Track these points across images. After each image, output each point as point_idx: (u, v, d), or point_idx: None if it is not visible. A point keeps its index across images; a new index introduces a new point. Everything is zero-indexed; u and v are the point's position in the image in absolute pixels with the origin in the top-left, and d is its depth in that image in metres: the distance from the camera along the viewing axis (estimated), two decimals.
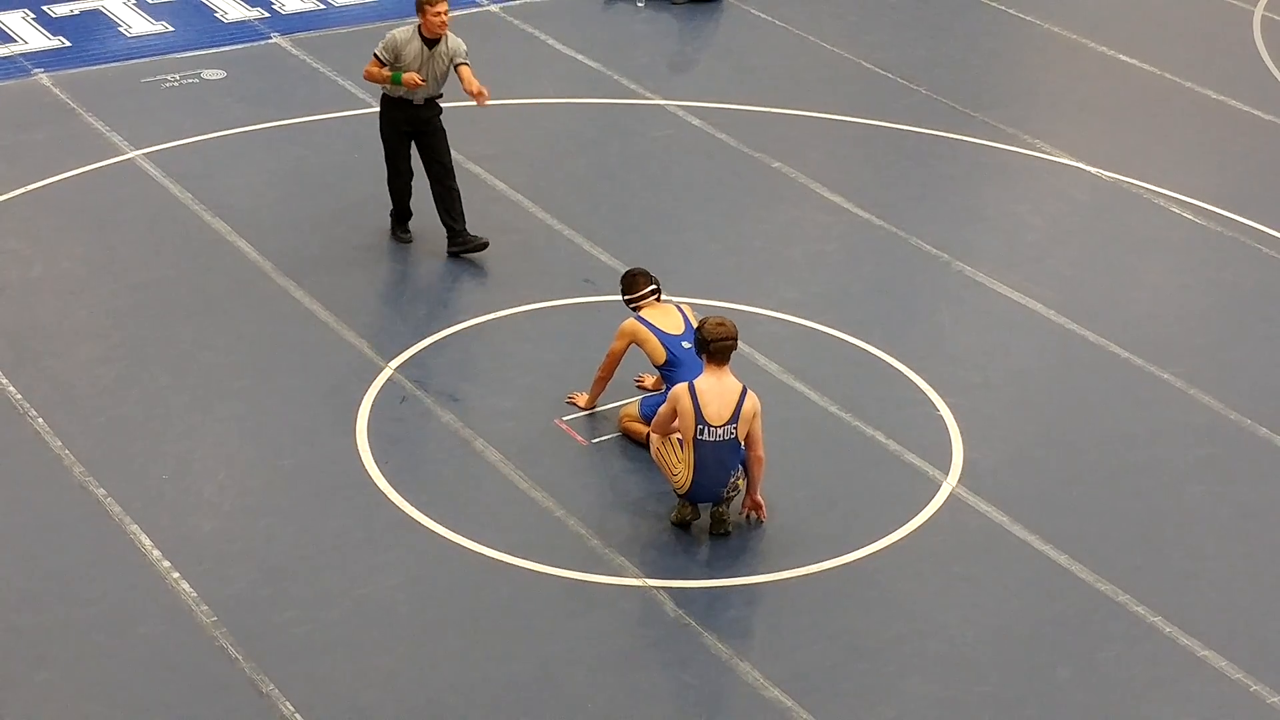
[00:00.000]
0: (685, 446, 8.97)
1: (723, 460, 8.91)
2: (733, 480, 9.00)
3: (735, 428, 8.86)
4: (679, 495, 9.10)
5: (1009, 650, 8.51)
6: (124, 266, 11.33)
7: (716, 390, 8.88)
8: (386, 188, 11.62)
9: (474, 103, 11.20)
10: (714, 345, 8.90)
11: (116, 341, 10.56)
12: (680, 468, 9.01)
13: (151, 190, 12.20)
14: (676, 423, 8.96)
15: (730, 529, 9.11)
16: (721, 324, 8.94)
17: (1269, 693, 8.33)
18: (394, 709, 7.95)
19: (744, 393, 8.90)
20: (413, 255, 11.61)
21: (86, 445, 9.55)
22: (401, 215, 11.73)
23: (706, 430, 8.85)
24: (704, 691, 8.15)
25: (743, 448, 8.97)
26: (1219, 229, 12.49)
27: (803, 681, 8.20)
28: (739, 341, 9.09)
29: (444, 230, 11.53)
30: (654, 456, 9.22)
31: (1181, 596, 8.90)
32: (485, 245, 11.47)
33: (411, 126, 11.33)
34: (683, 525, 9.13)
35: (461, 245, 11.48)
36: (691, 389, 8.87)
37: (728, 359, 8.95)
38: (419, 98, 11.21)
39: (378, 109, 11.53)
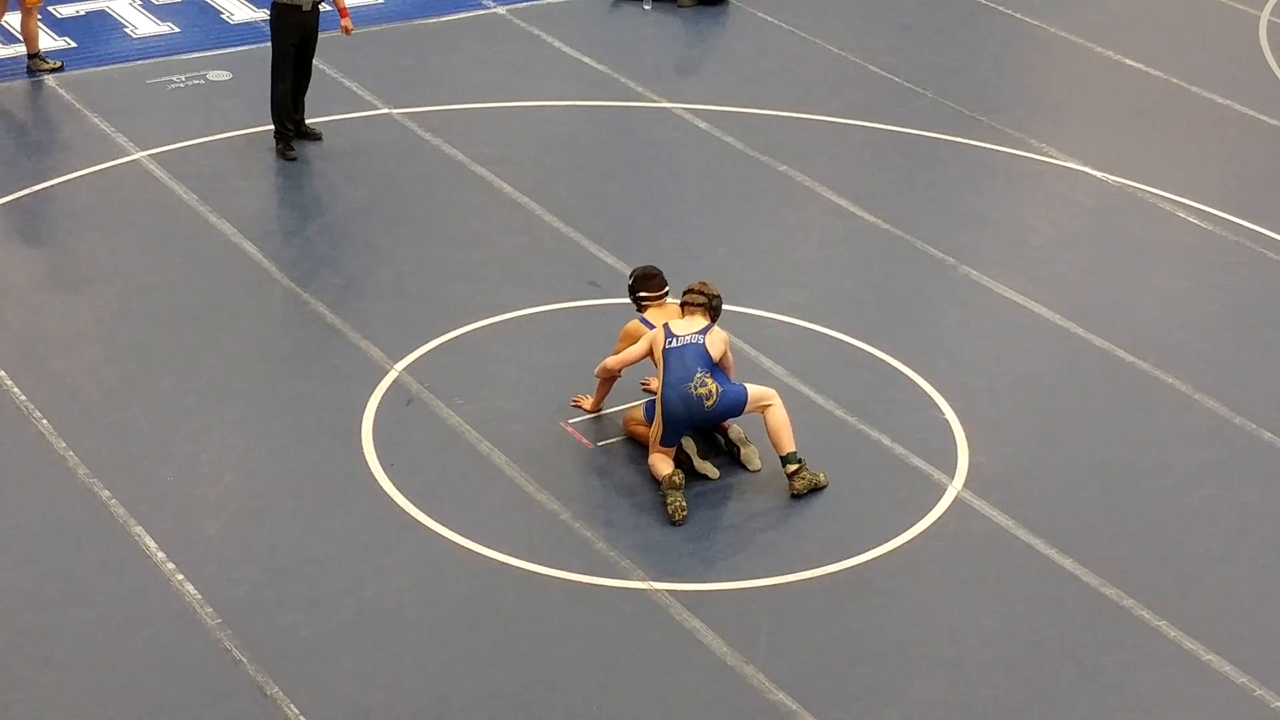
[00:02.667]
0: (657, 368, 9.43)
1: (685, 361, 9.30)
2: (699, 377, 9.26)
3: (702, 337, 9.37)
4: (661, 474, 9.25)
5: (1013, 654, 8.51)
6: (129, 268, 11.34)
7: (684, 322, 9.56)
8: (272, 104, 12.53)
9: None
10: (685, 296, 9.65)
11: (122, 343, 10.56)
12: (657, 417, 9.36)
13: (157, 192, 12.21)
14: (635, 355, 9.56)
15: (733, 442, 9.55)
16: (703, 285, 9.68)
17: (1273, 697, 8.32)
18: (398, 711, 7.94)
19: (712, 325, 9.53)
20: (419, 258, 11.61)
21: (91, 447, 9.55)
22: (286, 132, 12.60)
23: (674, 340, 9.39)
24: (709, 695, 8.14)
25: (711, 357, 9.36)
26: (1224, 233, 12.49)
27: (808, 685, 8.19)
28: (721, 300, 9.69)
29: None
30: (650, 462, 9.39)
31: (1186, 600, 8.89)
32: (319, 137, 12.82)
33: (302, 32, 12.40)
34: (676, 512, 9.11)
35: (301, 134, 12.76)
36: (665, 326, 9.54)
37: (698, 312, 9.56)
38: (308, 2, 12.30)
39: (269, 19, 12.53)
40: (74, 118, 13.18)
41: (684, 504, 9.16)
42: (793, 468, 9.36)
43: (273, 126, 12.71)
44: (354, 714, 7.92)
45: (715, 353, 9.40)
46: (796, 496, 9.37)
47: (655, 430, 9.38)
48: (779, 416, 9.41)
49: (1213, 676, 8.42)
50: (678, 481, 9.20)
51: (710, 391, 9.27)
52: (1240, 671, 8.44)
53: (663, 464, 9.34)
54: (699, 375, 9.29)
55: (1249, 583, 9.08)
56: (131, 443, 9.63)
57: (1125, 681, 8.37)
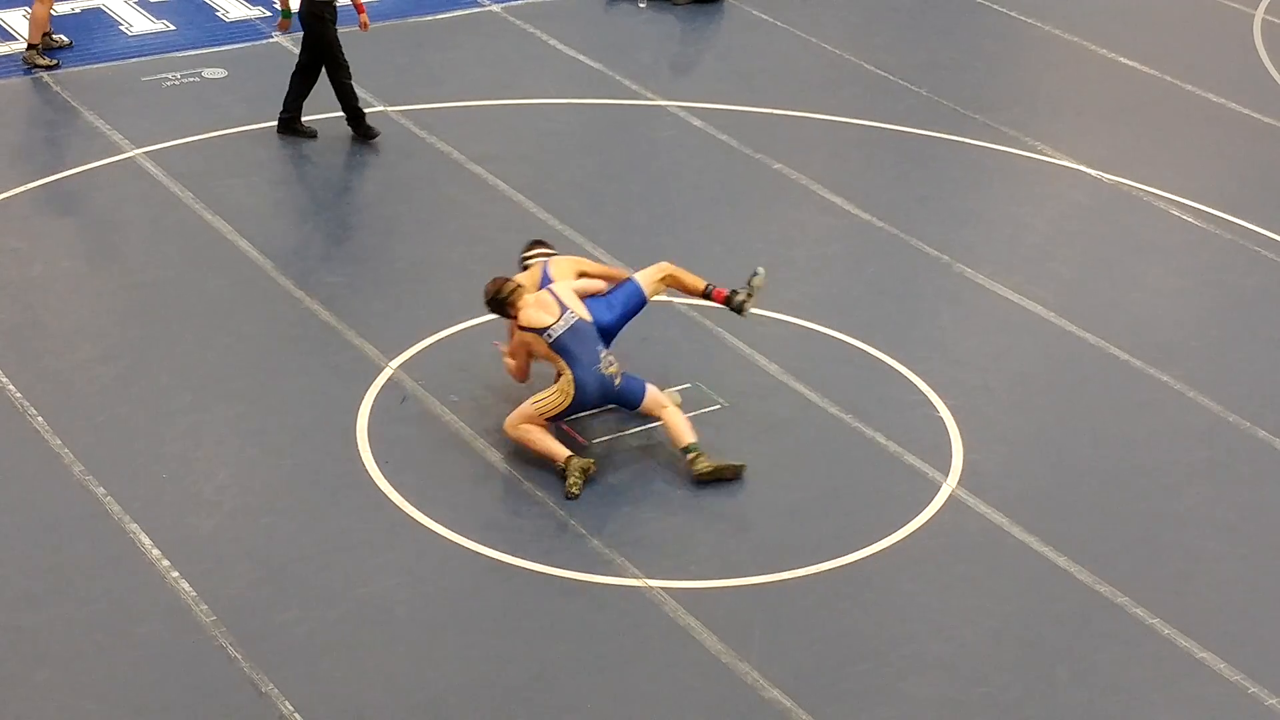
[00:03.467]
0: (554, 362, 9.48)
1: (585, 342, 9.44)
2: (605, 357, 9.43)
3: (571, 312, 9.44)
4: (561, 455, 9.36)
5: (1008, 651, 8.52)
6: (125, 265, 11.34)
7: (532, 303, 9.56)
8: (337, 95, 12.68)
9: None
10: (500, 301, 9.62)
11: (117, 340, 10.56)
12: (556, 395, 9.41)
13: (152, 189, 12.21)
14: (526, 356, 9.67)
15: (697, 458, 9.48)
16: (492, 283, 9.70)
17: (1268, 694, 8.33)
18: (393, 709, 7.95)
19: (547, 279, 9.62)
20: (414, 256, 11.61)
21: (86, 444, 9.55)
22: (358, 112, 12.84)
23: (550, 331, 9.42)
24: (703, 692, 8.15)
25: (588, 315, 9.46)
26: (1219, 232, 12.50)
27: (802, 682, 8.20)
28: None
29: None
30: (521, 433, 9.50)
31: (1180, 598, 8.91)
32: (314, 135, 12.88)
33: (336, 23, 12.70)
34: (574, 486, 9.27)
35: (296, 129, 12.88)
36: (521, 330, 9.61)
37: (527, 276, 9.75)
38: None
39: (303, 15, 12.59)
40: (69, 115, 13.18)
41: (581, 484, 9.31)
42: (693, 454, 9.45)
43: (281, 116, 12.85)
44: (348, 711, 7.92)
45: (572, 281, 9.65)
46: (703, 479, 9.39)
47: (553, 404, 9.43)
48: (678, 416, 9.55)
49: (1206, 674, 8.44)
50: (591, 471, 9.32)
51: (617, 371, 9.46)
52: (1234, 669, 8.46)
53: (555, 443, 9.42)
54: (604, 355, 9.46)
55: (1243, 581, 9.09)
56: (127, 440, 9.63)
57: (1119, 679, 8.38)
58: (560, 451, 9.39)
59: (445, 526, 9.08)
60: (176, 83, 13.74)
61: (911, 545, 9.15)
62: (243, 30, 14.70)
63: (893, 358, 10.70)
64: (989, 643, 8.56)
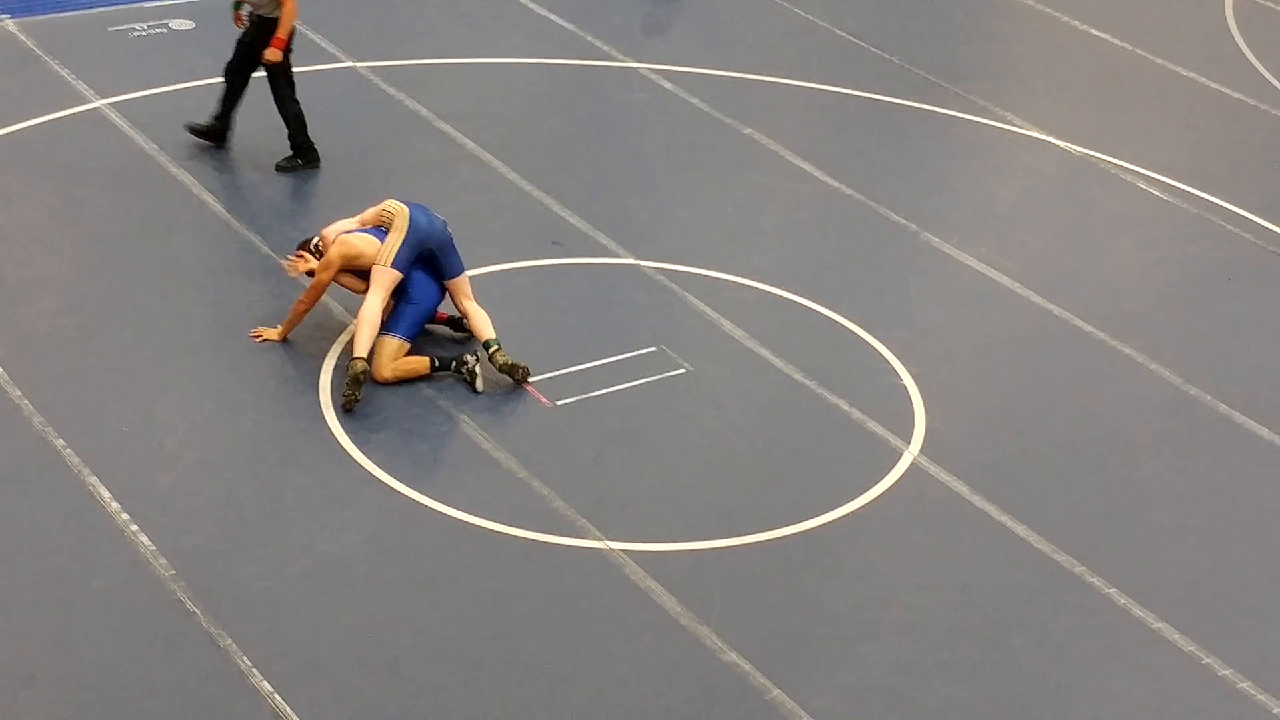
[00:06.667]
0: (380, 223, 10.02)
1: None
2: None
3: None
4: (418, 367, 9.84)
5: (966, 618, 8.56)
6: (88, 217, 11.25)
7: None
8: (302, 119, 11.90)
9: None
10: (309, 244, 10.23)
11: (80, 293, 10.49)
12: (394, 231, 9.88)
13: (117, 140, 12.11)
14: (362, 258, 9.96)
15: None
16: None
17: (1221, 665, 8.40)
18: (352, 665, 7.94)
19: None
20: None
21: (47, 396, 9.49)
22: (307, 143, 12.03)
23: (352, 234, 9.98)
24: (663, 654, 8.17)
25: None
26: (1185, 205, 12.55)
27: (761, 646, 8.23)
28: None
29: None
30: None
31: (1138, 569, 8.97)
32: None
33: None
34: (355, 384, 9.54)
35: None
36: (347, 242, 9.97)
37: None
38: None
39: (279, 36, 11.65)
40: (34, 64, 13.05)
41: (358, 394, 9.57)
42: (493, 349, 9.83)
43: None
44: (307, 667, 7.92)
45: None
46: (500, 370, 9.79)
47: (387, 252, 9.78)
48: (481, 312, 10.00)
49: (1161, 645, 8.50)
50: (363, 379, 9.53)
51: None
52: (1188, 640, 8.52)
53: (414, 362, 9.79)
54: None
55: (1199, 553, 9.16)
56: (88, 392, 9.57)
57: (1075, 647, 8.43)
58: (417, 367, 9.79)
59: (408, 485, 9.07)
60: (144, 34, 13.63)
61: (872, 512, 9.18)
62: None
63: (858, 325, 10.71)
64: (947, 609, 8.60)
